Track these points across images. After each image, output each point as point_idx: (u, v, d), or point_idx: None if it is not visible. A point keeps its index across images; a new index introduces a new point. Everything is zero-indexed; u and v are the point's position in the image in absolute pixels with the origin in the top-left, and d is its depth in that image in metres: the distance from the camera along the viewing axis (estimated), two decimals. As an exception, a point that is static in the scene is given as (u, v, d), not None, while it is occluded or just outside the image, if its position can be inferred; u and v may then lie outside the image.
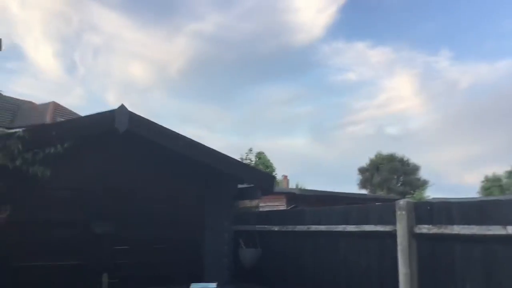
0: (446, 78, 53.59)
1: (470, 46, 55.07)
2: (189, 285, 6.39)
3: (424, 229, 5.20)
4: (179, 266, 7.25)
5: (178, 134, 6.71)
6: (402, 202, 5.49)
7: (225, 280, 7.23)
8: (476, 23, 51.51)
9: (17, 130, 5.81)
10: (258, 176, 7.36)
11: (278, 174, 24.29)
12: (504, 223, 4.42)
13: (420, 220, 5.33)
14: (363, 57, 54.42)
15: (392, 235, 5.54)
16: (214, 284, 6.34)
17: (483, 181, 44.82)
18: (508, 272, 4.43)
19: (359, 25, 57.05)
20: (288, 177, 26.26)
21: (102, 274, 6.66)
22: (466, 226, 4.76)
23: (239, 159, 21.74)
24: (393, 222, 5.56)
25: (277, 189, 15.90)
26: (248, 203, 13.01)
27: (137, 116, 6.42)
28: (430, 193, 38.50)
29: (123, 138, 6.42)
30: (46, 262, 6.41)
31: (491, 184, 43.79)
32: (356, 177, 46.76)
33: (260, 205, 13.72)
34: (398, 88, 56.44)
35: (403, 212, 5.41)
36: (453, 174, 55.56)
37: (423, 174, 44.86)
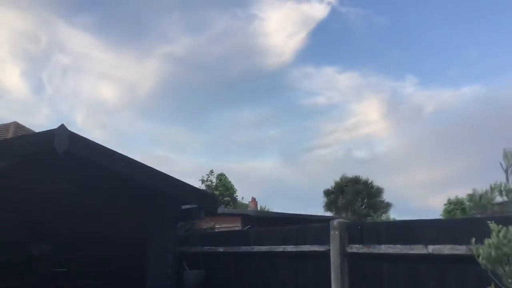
0: (411, 103, 54.91)
1: (435, 72, 56.73)
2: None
3: (355, 248, 5.31)
4: (120, 288, 7.15)
5: (120, 154, 6.68)
6: (335, 222, 5.60)
7: (167, 302, 7.16)
8: (441, 50, 53.21)
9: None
10: (201, 197, 7.37)
11: (244, 196, 24.28)
12: (426, 242, 4.57)
13: (352, 240, 5.44)
14: (332, 82, 55.32)
15: (327, 255, 5.63)
16: (153, 307, 6.28)
17: (445, 204, 45.66)
18: (430, 289, 4.56)
19: (328, 51, 58.06)
20: (257, 199, 26.28)
21: (39, 297, 6.52)
22: (391, 245, 4.89)
23: (199, 181, 21.79)
24: (328, 242, 5.66)
25: (232, 211, 15.92)
26: (204, 224, 12.97)
27: (77, 137, 6.37)
28: (394, 216, 39.03)
29: (64, 158, 6.34)
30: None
31: (454, 207, 44.64)
32: (322, 199, 47.01)
33: (216, 226, 13.68)
34: (365, 112, 57.44)
35: (336, 232, 5.51)
36: (418, 197, 56.29)
37: (388, 196, 45.38)
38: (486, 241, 3.15)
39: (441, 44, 52.10)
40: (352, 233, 5.46)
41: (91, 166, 6.69)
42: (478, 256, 3.23)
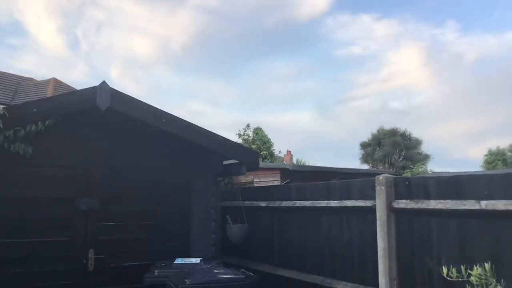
0: (452, 51, 53.00)
1: (477, 17, 54.30)
2: (174, 260, 6.46)
3: (402, 203, 5.21)
4: (165, 242, 7.31)
5: (161, 111, 6.68)
6: (381, 177, 5.49)
7: (211, 255, 7.30)
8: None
9: (-3, 107, 5.80)
10: (243, 152, 7.35)
11: (279, 149, 24.31)
12: (479, 197, 4.42)
13: (399, 195, 5.34)
14: (368, 30, 53.80)
15: (372, 210, 5.57)
16: (197, 259, 6.40)
17: (486, 155, 44.83)
18: (481, 246, 4.45)
19: (365, -3, 56.04)
20: (292, 153, 26.31)
21: (88, 250, 6.73)
22: (442, 200, 4.77)
23: (236, 135, 21.87)
24: (373, 197, 5.58)
25: (271, 165, 15.98)
26: (243, 178, 13.10)
27: (119, 93, 6.39)
28: (432, 167, 38.57)
29: (107, 114, 6.41)
30: (33, 238, 6.47)
31: (495, 158, 43.80)
32: (359, 152, 46.78)
33: (255, 180, 13.82)
34: (403, 62, 55.91)
35: (382, 187, 5.41)
36: (458, 148, 55.52)
37: (426, 148, 44.90)
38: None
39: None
40: (399, 188, 5.35)
41: (133, 123, 6.74)
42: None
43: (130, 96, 6.52)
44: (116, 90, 6.37)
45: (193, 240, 7.53)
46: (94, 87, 6.24)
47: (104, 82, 6.29)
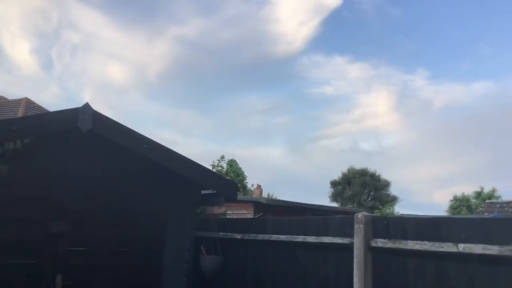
0: (421, 97, 54.76)
1: (447, 67, 56.50)
2: (145, 290, 6.30)
3: (380, 243, 5.25)
4: (137, 270, 7.13)
5: (143, 136, 6.62)
6: (360, 215, 5.54)
7: (183, 286, 7.15)
8: (453, 45, 52.74)
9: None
10: (221, 183, 7.32)
11: (250, 183, 24.27)
12: (456, 240, 4.50)
13: (377, 234, 5.39)
14: (341, 72, 55.09)
15: (349, 248, 5.58)
16: (170, 290, 6.26)
17: (451, 201, 45.64)
18: (457, 288, 4.50)
19: (340, 40, 57.82)
20: (262, 187, 26.27)
21: (56, 275, 6.51)
22: (419, 242, 4.83)
23: (210, 166, 21.77)
24: (351, 234, 5.61)
25: (245, 197, 15.92)
26: (216, 210, 12.98)
27: (101, 116, 6.32)
28: (399, 209, 39.00)
29: (86, 137, 6.31)
30: (-1, 260, 6.24)
31: (460, 203, 44.60)
32: (328, 190, 47.09)
33: (228, 212, 13.71)
34: (374, 104, 57.33)
35: (361, 226, 5.46)
36: (424, 192, 56.50)
37: (393, 190, 45.54)
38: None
39: (454, 39, 51.51)
40: (377, 227, 5.40)
41: (112, 146, 6.65)
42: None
43: (113, 120, 6.46)
44: (99, 113, 6.31)
45: (165, 269, 7.37)
46: (77, 109, 6.16)
47: (87, 104, 6.22)
